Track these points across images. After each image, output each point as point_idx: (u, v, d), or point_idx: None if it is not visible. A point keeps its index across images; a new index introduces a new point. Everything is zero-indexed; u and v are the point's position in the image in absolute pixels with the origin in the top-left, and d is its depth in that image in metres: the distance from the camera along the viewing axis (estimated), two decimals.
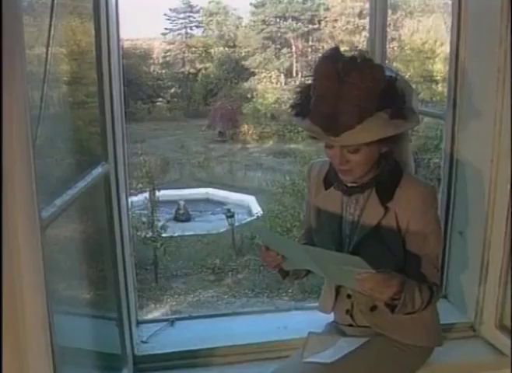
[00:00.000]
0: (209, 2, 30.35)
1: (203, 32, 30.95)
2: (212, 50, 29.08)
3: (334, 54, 1.49)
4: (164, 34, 30.96)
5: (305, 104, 1.52)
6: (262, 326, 2.20)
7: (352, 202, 1.65)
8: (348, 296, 1.71)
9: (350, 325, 1.74)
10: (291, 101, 1.59)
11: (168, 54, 29.77)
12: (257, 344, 2.05)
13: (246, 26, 30.13)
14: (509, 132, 1.85)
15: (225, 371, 1.98)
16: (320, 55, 1.56)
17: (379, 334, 1.68)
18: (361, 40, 23.35)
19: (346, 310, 1.72)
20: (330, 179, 1.69)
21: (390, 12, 2.41)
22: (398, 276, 1.49)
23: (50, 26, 1.41)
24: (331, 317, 1.82)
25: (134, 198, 12.22)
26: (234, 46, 29.19)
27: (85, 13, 1.76)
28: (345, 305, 1.72)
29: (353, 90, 1.42)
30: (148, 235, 14.07)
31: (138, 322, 2.19)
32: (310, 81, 1.52)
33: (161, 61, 29.80)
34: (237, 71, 28.08)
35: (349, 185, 1.63)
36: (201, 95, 28.34)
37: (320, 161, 1.76)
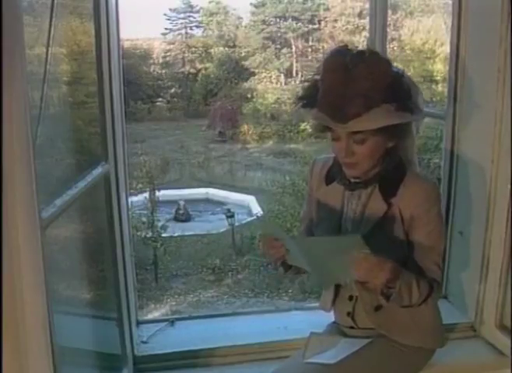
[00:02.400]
0: (209, 2, 30.35)
1: (203, 32, 30.94)
2: (212, 50, 29.06)
3: (342, 49, 1.53)
4: (164, 34, 30.98)
5: (312, 96, 1.54)
6: (262, 326, 2.20)
7: (354, 198, 1.65)
8: (350, 298, 1.70)
9: (351, 328, 1.73)
10: (299, 93, 1.62)
11: (168, 54, 29.76)
12: (258, 344, 2.05)
13: (246, 26, 30.12)
14: (509, 132, 1.85)
15: (225, 372, 1.98)
16: (326, 52, 1.63)
17: (381, 335, 1.67)
18: (361, 40, 23.32)
19: (347, 312, 1.72)
20: (332, 175, 1.69)
21: (390, 12, 2.41)
22: (391, 262, 1.49)
23: (50, 26, 1.41)
24: (331, 317, 1.82)
25: (134, 198, 12.20)
26: (234, 46, 29.18)
27: (85, 13, 1.76)
28: (347, 307, 1.72)
29: (361, 80, 1.45)
30: (148, 235, 14.06)
31: (138, 322, 2.19)
32: (317, 76, 1.55)
33: (161, 61, 29.79)
34: (237, 71, 28.07)
35: (352, 180, 1.63)
36: (201, 95, 28.33)
37: (324, 157, 1.77)
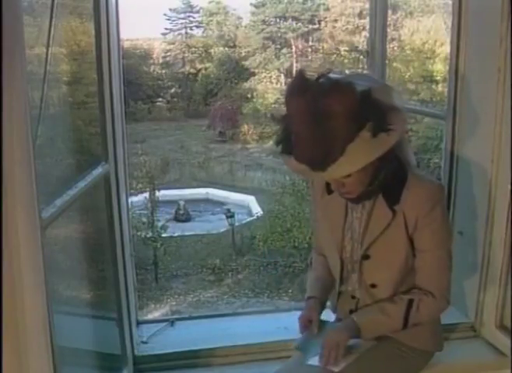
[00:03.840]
0: (209, 2, 30.33)
1: (203, 32, 30.93)
2: (212, 50, 29.06)
3: (300, 84, 1.41)
4: (164, 34, 30.96)
5: (287, 140, 1.45)
6: (262, 327, 2.20)
7: (358, 206, 1.63)
8: (353, 297, 1.71)
9: None
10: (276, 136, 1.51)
11: (168, 54, 29.76)
12: (258, 344, 2.05)
13: (246, 26, 30.10)
14: (509, 132, 1.85)
15: (225, 372, 1.98)
16: (288, 83, 1.48)
17: (381, 336, 1.67)
18: (361, 40, 23.32)
19: (350, 310, 1.72)
20: None
21: (390, 12, 2.42)
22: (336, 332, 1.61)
23: (50, 26, 1.42)
24: (332, 317, 1.81)
25: (134, 198, 12.22)
26: (234, 46, 29.17)
27: (85, 13, 1.76)
28: (349, 304, 1.72)
29: (327, 121, 1.35)
30: (148, 235, 14.09)
31: (138, 323, 2.19)
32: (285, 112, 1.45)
33: (161, 61, 29.78)
34: (237, 71, 28.06)
35: None
36: (201, 95, 28.32)
37: None
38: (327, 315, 1.81)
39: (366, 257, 1.63)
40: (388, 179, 1.57)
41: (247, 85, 27.27)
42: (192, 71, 28.98)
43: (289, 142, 1.44)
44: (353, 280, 1.69)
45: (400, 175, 1.58)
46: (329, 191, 1.68)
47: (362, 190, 1.55)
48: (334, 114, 1.34)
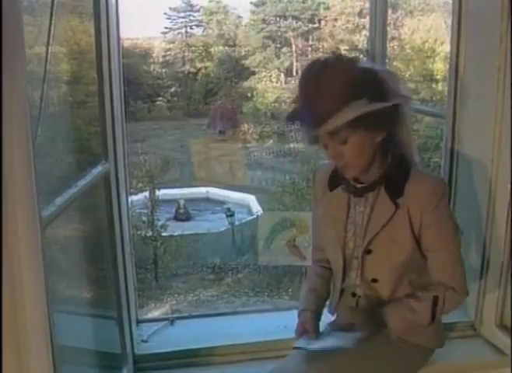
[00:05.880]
0: (209, 1, 30.27)
1: (203, 31, 30.88)
2: (212, 49, 29.02)
3: (313, 64, 1.56)
4: (164, 33, 30.92)
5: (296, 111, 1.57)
6: (262, 325, 2.20)
7: (361, 200, 1.65)
8: (353, 295, 1.71)
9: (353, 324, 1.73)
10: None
11: (168, 53, 29.72)
12: (257, 343, 2.05)
13: (246, 25, 30.06)
14: (509, 132, 1.85)
15: (225, 371, 1.99)
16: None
17: (381, 332, 1.67)
18: (361, 39, 23.31)
19: (350, 308, 1.72)
20: (335, 180, 1.69)
21: (390, 11, 2.42)
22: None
23: (50, 25, 1.42)
24: (331, 317, 1.82)
25: (134, 197, 12.21)
26: (234, 45, 29.14)
27: (85, 13, 1.76)
28: (350, 302, 1.72)
29: (326, 86, 1.48)
30: (148, 234, 14.06)
31: (138, 322, 2.19)
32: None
33: (161, 60, 29.74)
34: (237, 70, 28.04)
35: (358, 186, 1.63)
36: (201, 94, 28.30)
37: (324, 164, 1.77)
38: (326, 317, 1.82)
39: (368, 252, 1.64)
40: (391, 172, 1.59)
41: (247, 84, 27.23)
42: (192, 70, 28.93)
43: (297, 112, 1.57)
44: (355, 275, 1.69)
45: (403, 168, 1.60)
46: (331, 188, 1.69)
47: (361, 168, 1.57)
48: (332, 81, 1.48)
